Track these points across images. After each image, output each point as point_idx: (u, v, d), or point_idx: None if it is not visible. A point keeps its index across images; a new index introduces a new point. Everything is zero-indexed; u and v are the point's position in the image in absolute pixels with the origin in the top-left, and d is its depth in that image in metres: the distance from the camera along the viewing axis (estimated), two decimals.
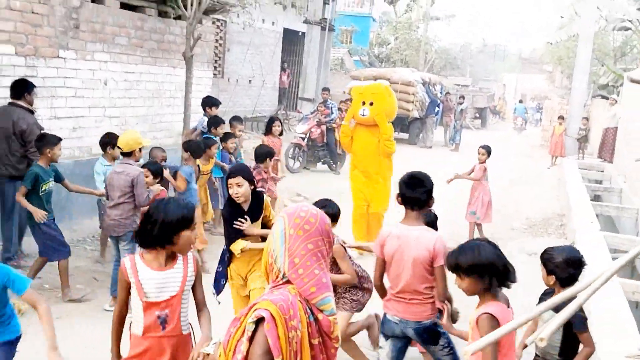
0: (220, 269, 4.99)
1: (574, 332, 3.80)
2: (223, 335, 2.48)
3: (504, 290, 3.46)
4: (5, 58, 7.32)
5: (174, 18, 10.36)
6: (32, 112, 6.91)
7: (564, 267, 3.88)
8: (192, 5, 9.30)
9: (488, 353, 3.10)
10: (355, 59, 37.94)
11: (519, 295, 5.07)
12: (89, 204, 7.90)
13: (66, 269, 6.23)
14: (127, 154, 6.17)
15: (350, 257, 4.87)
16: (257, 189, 7.22)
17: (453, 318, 4.45)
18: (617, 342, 4.87)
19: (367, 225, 8.53)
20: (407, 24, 40.82)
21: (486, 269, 3.31)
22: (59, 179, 6.39)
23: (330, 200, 5.04)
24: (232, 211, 4.78)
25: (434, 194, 4.27)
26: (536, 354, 4.02)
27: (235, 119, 10.00)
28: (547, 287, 4.08)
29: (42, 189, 6.09)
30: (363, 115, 8.31)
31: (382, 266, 4.26)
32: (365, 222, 8.55)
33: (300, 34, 23.15)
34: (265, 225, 4.86)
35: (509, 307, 3.51)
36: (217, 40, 17.91)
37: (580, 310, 3.65)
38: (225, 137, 9.02)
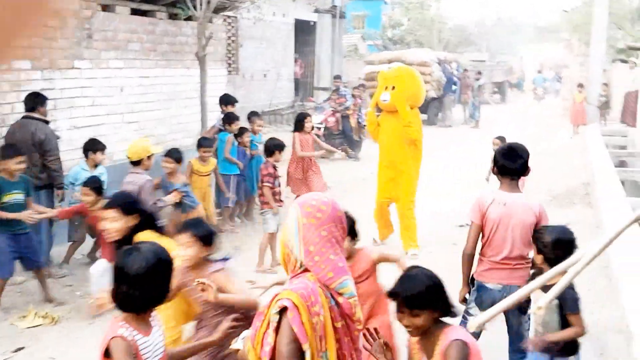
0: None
1: (566, 314, 3.77)
2: (250, 330, 2.56)
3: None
4: (23, 73, 7.48)
5: (185, 19, 10.46)
6: (47, 122, 7.09)
7: (552, 247, 3.84)
8: (201, 5, 9.38)
9: None
10: (369, 44, 37.73)
11: None
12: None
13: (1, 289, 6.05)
14: (136, 163, 6.09)
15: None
16: (264, 183, 7.33)
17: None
18: None
19: (388, 218, 8.38)
20: (419, 4, 40.47)
21: (440, 295, 2.90)
22: (28, 193, 6.24)
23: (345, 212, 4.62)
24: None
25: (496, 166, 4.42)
26: (536, 330, 3.98)
27: (254, 114, 10.08)
28: (535, 269, 4.08)
29: (3, 200, 5.99)
30: (384, 100, 7.96)
31: (478, 233, 4.30)
32: (387, 214, 8.36)
33: (311, 23, 23.12)
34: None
35: None
36: (229, 37, 17.99)
37: (573, 290, 3.68)
38: (240, 132, 9.09)
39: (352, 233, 3.94)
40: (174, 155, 7.53)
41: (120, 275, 2.69)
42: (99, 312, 5.77)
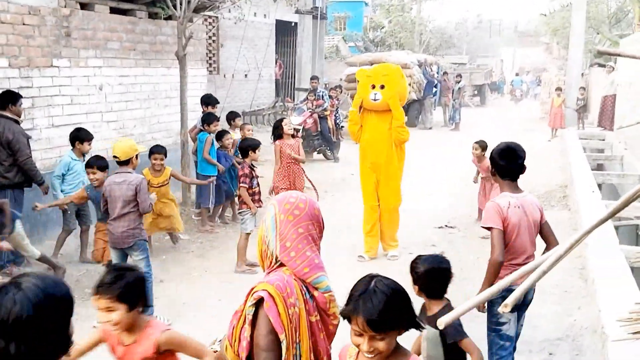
0: None
1: (450, 342, 3.58)
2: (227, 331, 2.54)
3: None
4: (0, 71, 7.39)
5: (165, 18, 10.41)
6: (17, 121, 7.01)
7: (425, 278, 3.68)
8: (181, 4, 9.34)
9: None
10: (350, 45, 37.85)
11: None
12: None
13: None
14: (124, 163, 5.97)
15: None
16: (241, 184, 7.31)
17: None
18: (618, 301, 4.92)
19: (379, 220, 8.04)
20: (399, 6, 40.70)
21: (407, 310, 2.36)
22: None
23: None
24: None
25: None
26: None
27: (234, 115, 10.09)
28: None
29: None
30: (375, 100, 7.56)
31: (503, 239, 4.10)
32: (376, 219, 8.02)
33: (292, 24, 23.14)
34: None
35: None
36: (210, 37, 17.95)
37: (458, 319, 3.31)
38: (220, 135, 9.07)
39: None
40: (162, 150, 7.75)
41: None
42: None
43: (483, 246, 8.59)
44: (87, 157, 7.35)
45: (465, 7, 54.86)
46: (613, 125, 17.26)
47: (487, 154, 9.77)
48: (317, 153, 15.58)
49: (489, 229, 4.15)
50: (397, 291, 2.31)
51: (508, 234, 4.14)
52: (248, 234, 7.44)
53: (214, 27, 18.39)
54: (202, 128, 9.31)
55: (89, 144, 7.47)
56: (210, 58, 18.08)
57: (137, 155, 6.04)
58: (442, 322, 2.19)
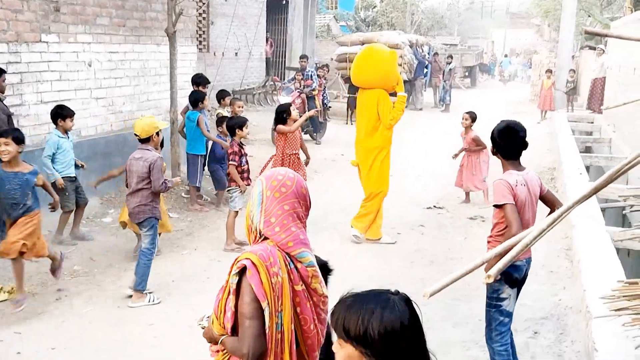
0: None
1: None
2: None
3: None
4: None
5: None
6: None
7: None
8: None
9: None
10: (341, 25, 37.65)
11: None
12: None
13: None
14: (145, 140, 6.00)
15: None
16: (230, 162, 7.29)
17: None
18: (603, 281, 4.99)
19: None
20: None
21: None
22: None
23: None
24: None
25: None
26: None
27: (224, 93, 9.98)
28: None
29: None
30: None
31: (517, 213, 4.16)
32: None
33: (283, 2, 22.97)
34: None
35: None
36: (200, 14, 17.79)
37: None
38: (220, 121, 8.86)
39: None
40: None
41: None
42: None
43: (471, 227, 8.68)
44: (70, 134, 7.41)
45: None
46: (601, 108, 17.35)
47: (481, 133, 9.82)
48: (305, 134, 15.52)
49: (500, 207, 4.19)
50: (386, 309, 1.83)
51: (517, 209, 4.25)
52: (237, 212, 7.46)
53: (204, 4, 18.22)
54: (189, 107, 9.23)
55: (72, 121, 7.38)
56: (200, 35, 17.92)
57: (158, 132, 6.05)
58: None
